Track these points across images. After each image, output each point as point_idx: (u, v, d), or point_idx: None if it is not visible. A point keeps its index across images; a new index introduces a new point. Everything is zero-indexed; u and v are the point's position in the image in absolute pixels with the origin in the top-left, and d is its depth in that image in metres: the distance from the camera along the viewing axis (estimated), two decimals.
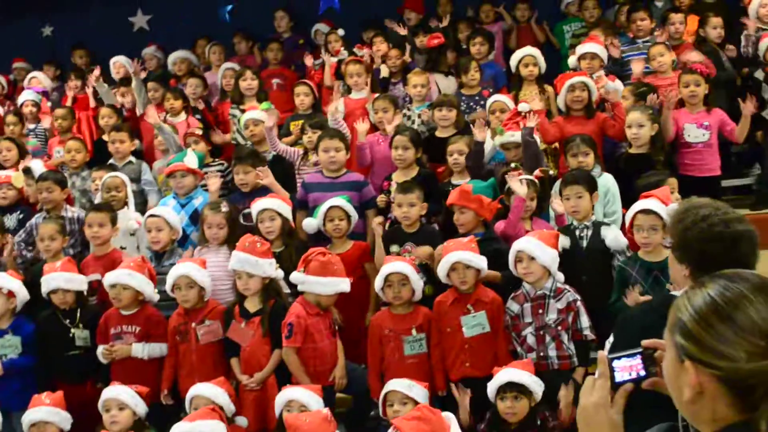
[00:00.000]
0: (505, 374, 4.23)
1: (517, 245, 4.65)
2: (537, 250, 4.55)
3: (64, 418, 4.68)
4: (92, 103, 8.38)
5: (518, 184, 5.17)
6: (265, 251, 4.90)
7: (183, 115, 7.52)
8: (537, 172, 5.48)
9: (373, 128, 6.65)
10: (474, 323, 4.68)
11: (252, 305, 4.92)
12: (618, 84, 6.51)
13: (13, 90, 9.40)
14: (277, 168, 6.23)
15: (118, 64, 8.59)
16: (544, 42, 8.68)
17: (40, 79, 8.92)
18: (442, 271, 4.74)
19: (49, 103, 8.49)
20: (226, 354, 4.96)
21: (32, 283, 5.39)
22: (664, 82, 6.44)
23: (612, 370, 1.67)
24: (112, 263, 5.36)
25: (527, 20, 8.90)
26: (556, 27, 8.85)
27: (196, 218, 5.80)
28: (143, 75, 8.26)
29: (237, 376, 4.86)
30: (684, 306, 1.49)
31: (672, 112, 6.06)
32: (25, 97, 8.28)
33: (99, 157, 7.27)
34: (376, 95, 6.86)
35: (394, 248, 5.31)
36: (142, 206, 6.39)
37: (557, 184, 5.42)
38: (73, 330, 5.19)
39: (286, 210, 5.44)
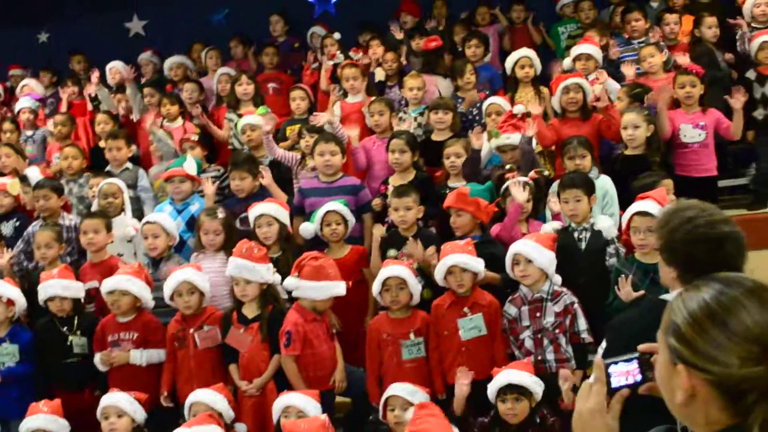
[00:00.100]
0: (505, 376, 4.21)
1: (514, 248, 4.64)
2: (534, 252, 4.54)
3: (62, 426, 4.65)
4: (89, 109, 8.37)
5: (519, 190, 5.17)
6: (262, 257, 4.89)
7: (180, 121, 7.53)
8: (532, 173, 5.48)
9: (369, 132, 6.65)
10: (470, 326, 4.67)
11: (250, 311, 4.90)
12: (615, 84, 6.52)
13: (10, 97, 9.38)
14: (274, 173, 6.22)
15: (114, 69, 8.59)
16: (540, 43, 8.68)
17: (32, 86, 8.90)
18: (439, 274, 4.73)
19: (46, 110, 8.48)
20: (224, 360, 4.94)
21: (29, 290, 5.38)
22: (655, 84, 6.41)
23: (608, 375, 1.66)
24: (109, 270, 5.33)
25: (523, 22, 8.91)
26: (552, 28, 8.86)
27: (192, 224, 5.77)
28: (133, 77, 8.23)
29: (236, 382, 4.84)
30: (678, 309, 1.49)
31: (667, 113, 6.06)
32: (22, 104, 8.26)
33: (96, 163, 7.26)
34: (372, 99, 6.84)
35: (392, 252, 5.30)
36: (138, 213, 6.37)
37: (555, 184, 5.41)
38: (70, 337, 5.17)
39: (284, 215, 5.43)
